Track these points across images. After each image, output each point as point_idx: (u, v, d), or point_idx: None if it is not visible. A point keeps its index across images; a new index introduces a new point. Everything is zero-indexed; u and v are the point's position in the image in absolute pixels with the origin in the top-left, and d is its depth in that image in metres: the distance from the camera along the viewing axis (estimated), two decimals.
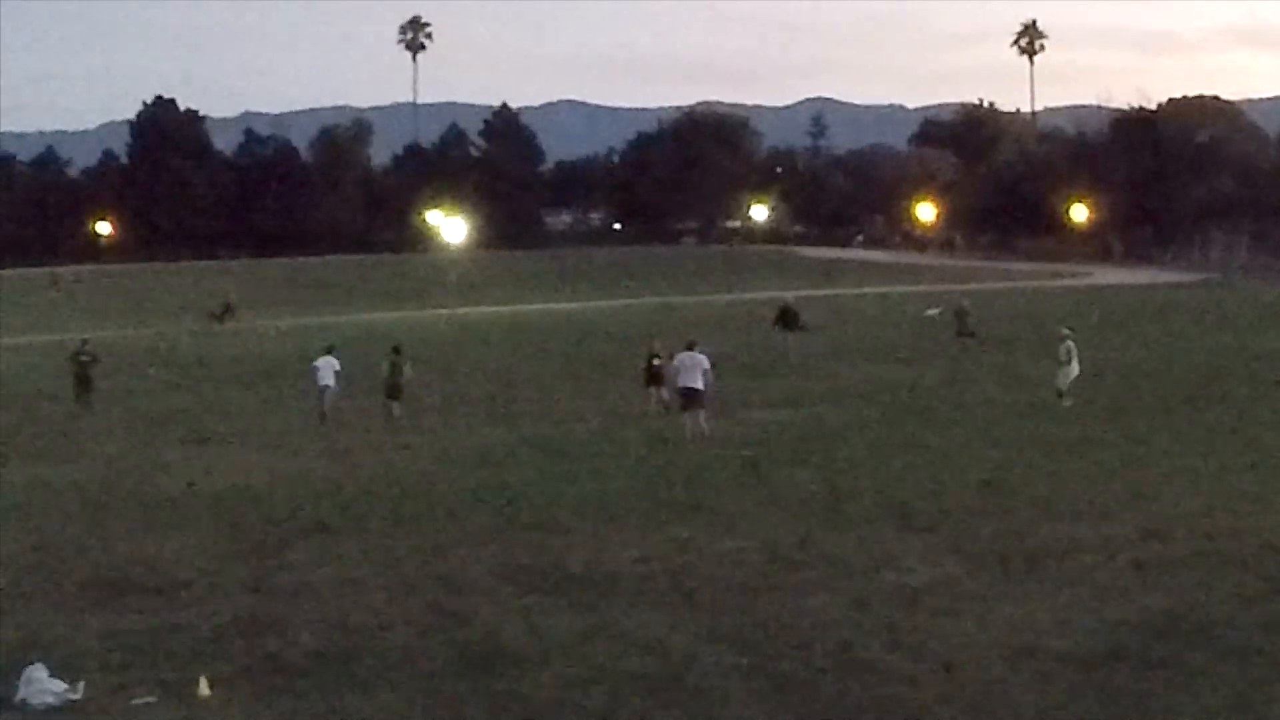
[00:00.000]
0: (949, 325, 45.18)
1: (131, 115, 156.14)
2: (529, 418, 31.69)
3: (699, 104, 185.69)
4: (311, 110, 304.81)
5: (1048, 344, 34.41)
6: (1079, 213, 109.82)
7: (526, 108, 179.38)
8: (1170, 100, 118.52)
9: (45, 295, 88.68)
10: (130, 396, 37.56)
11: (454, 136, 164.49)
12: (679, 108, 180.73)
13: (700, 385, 27.74)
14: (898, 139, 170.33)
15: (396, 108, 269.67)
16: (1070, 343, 31.06)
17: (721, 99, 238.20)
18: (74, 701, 13.18)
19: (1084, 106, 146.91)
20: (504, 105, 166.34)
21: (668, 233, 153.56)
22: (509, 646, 14.37)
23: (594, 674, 13.47)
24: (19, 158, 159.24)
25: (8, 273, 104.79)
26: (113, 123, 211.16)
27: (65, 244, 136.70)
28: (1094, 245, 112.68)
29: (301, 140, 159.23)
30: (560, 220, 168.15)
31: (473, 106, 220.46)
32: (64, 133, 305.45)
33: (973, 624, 14.62)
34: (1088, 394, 32.07)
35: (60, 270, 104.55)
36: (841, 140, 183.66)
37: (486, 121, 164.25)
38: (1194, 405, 30.30)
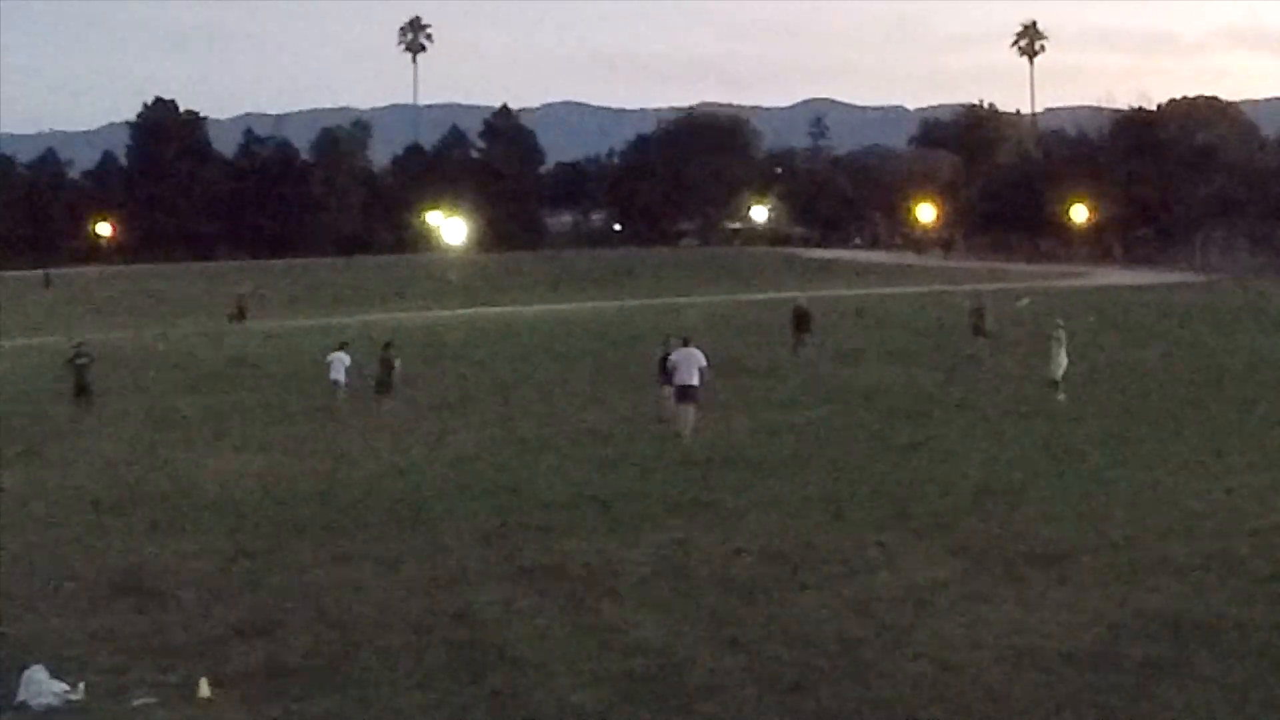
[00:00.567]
0: (965, 324, 44.67)
1: (132, 116, 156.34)
2: (528, 418, 31.68)
3: (699, 105, 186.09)
4: (311, 111, 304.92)
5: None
6: (1079, 214, 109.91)
7: (526, 109, 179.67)
8: (1170, 101, 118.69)
9: (39, 296, 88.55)
10: (129, 398, 37.54)
11: (454, 138, 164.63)
12: (679, 109, 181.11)
13: (696, 382, 27.96)
14: (898, 140, 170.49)
15: (396, 109, 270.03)
16: (1061, 333, 31.80)
17: (722, 100, 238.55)
18: (74, 702, 13.19)
19: (1084, 108, 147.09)
20: (504, 106, 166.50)
21: (668, 234, 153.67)
22: (508, 647, 14.37)
23: (593, 675, 13.47)
24: (19, 159, 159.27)
25: (3, 274, 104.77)
26: (113, 124, 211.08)
27: (65, 245, 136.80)
28: (1094, 246, 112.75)
29: (302, 141, 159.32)
30: (560, 221, 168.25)
31: (473, 107, 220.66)
32: (64, 134, 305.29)
33: (973, 625, 14.62)
34: (1088, 395, 32.13)
35: (54, 271, 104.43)
36: (842, 141, 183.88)
37: (487, 122, 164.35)
38: (1194, 406, 30.31)
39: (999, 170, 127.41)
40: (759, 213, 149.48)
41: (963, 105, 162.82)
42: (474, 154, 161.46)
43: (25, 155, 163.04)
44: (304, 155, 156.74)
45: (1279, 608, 14.96)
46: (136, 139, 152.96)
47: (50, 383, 40.23)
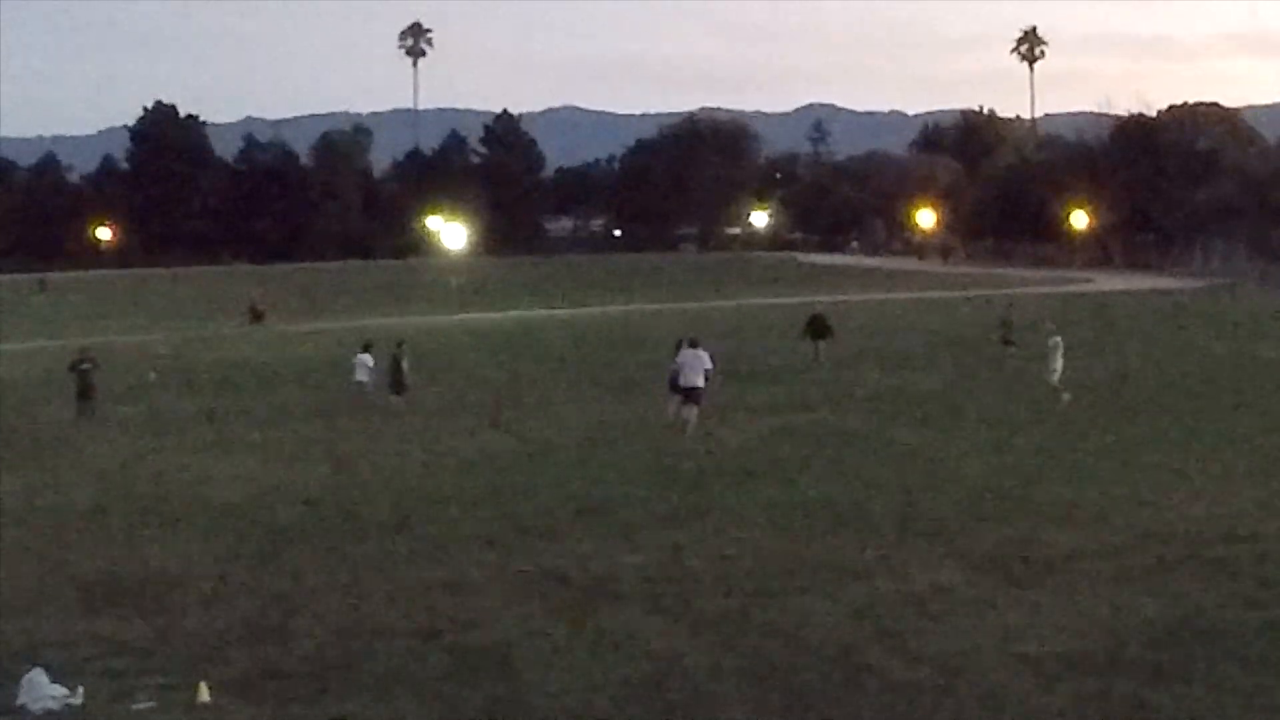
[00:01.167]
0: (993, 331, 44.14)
1: (132, 121, 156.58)
2: (529, 423, 31.68)
3: (699, 110, 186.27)
4: (312, 116, 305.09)
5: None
6: (1079, 219, 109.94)
7: (527, 114, 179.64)
8: (1170, 107, 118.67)
9: (34, 300, 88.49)
10: (129, 402, 37.53)
11: (454, 142, 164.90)
12: (679, 114, 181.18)
13: (701, 384, 28.76)
14: (898, 145, 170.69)
15: (397, 114, 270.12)
16: (1057, 338, 32.68)
17: (722, 105, 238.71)
18: (74, 707, 13.16)
19: (1084, 113, 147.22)
20: (504, 111, 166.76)
21: (668, 239, 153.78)
22: (509, 652, 14.35)
23: (594, 680, 13.45)
24: (19, 163, 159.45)
25: (1, 278, 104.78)
26: (113, 128, 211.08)
27: (66, 249, 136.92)
28: (1094, 252, 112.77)
29: (302, 146, 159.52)
30: (560, 226, 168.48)
31: (473, 112, 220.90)
32: (64, 138, 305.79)
33: (974, 630, 14.61)
34: (1088, 401, 32.14)
35: (49, 276, 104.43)
36: (841, 146, 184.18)
37: (487, 127, 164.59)
38: (1195, 411, 30.31)
39: (999, 175, 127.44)
40: (759, 218, 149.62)
41: (962, 110, 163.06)
42: (474, 159, 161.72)
43: (25, 160, 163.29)
44: (304, 160, 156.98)
45: (1278, 611, 14.96)
46: (137, 143, 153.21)
47: (45, 387, 40.24)
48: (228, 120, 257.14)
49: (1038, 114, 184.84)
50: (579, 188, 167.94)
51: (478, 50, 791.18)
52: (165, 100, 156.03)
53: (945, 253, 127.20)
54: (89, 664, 14.34)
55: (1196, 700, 12.46)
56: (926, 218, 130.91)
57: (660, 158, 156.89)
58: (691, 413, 28.43)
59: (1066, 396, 31.23)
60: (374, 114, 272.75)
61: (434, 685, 13.48)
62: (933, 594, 16.05)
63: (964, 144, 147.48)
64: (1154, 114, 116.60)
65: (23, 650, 14.74)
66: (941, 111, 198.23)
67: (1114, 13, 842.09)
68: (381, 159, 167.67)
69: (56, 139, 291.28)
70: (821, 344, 43.24)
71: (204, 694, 13.23)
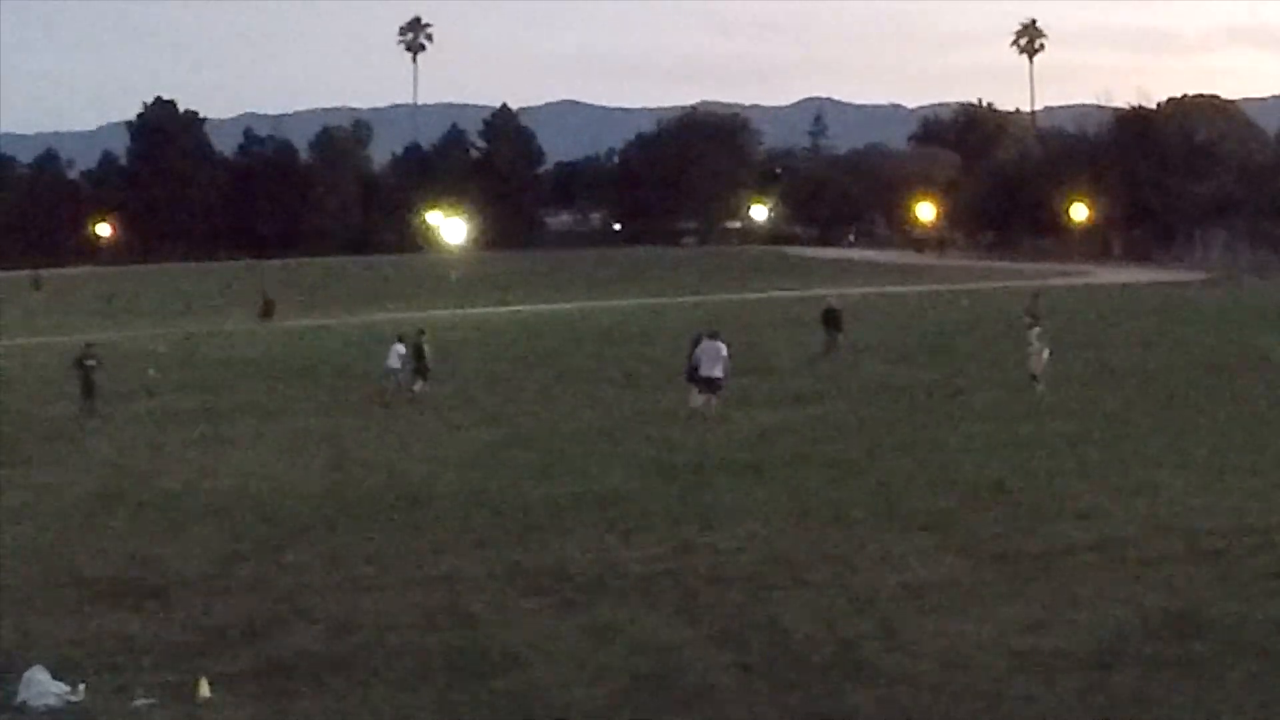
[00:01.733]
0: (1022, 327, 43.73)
1: (131, 116, 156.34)
2: (529, 418, 31.69)
3: (698, 104, 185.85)
4: (311, 111, 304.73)
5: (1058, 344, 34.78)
6: (1079, 212, 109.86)
7: (526, 108, 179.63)
8: (1170, 99, 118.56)
9: (30, 297, 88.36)
10: (129, 398, 37.53)
11: (454, 137, 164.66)
12: (678, 108, 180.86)
13: (720, 374, 29.89)
14: (897, 139, 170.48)
15: (396, 108, 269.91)
16: (1039, 329, 33.32)
17: (721, 99, 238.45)
18: (75, 703, 13.19)
19: (1084, 106, 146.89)
20: (504, 106, 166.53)
21: (667, 233, 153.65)
22: (509, 647, 14.38)
23: (594, 675, 13.47)
24: (19, 159, 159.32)
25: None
26: (112, 124, 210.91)
27: (65, 245, 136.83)
28: (1094, 244, 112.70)
29: (301, 141, 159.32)
30: (560, 221, 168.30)
31: (473, 107, 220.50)
32: (64, 134, 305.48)
33: (974, 624, 14.63)
34: (1089, 393, 32.17)
35: (42, 272, 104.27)
36: (841, 140, 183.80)
37: (486, 122, 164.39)
38: (1194, 404, 30.32)
39: (998, 168, 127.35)
40: (759, 212, 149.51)
41: (962, 103, 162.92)
42: (474, 153, 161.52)
43: (25, 155, 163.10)
44: (304, 155, 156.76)
45: (1278, 605, 14.96)
46: (136, 139, 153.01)
47: (45, 384, 40.25)
48: (227, 116, 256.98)
49: (1037, 107, 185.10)
50: (578, 182, 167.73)
51: (477, 45, 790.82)
52: (165, 96, 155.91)
53: (941, 245, 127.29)
54: (90, 660, 14.36)
55: (1196, 694, 12.48)
56: (926, 211, 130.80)
57: (660, 152, 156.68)
58: (712, 402, 29.53)
59: (1040, 389, 32.01)
60: (374, 109, 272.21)
61: (435, 680, 13.50)
62: (932, 588, 16.08)
63: (963, 137, 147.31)
64: (1153, 107, 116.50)
65: (24, 647, 14.77)
66: (941, 105, 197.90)
67: (1113, 6, 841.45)
68: (381, 154, 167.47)
69: (56, 135, 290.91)
70: (839, 336, 43.29)
71: (205, 690, 13.25)
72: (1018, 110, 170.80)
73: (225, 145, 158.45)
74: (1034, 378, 32.64)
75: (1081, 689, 12.69)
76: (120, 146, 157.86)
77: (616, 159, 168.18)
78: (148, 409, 35.65)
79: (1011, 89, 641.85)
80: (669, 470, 24.27)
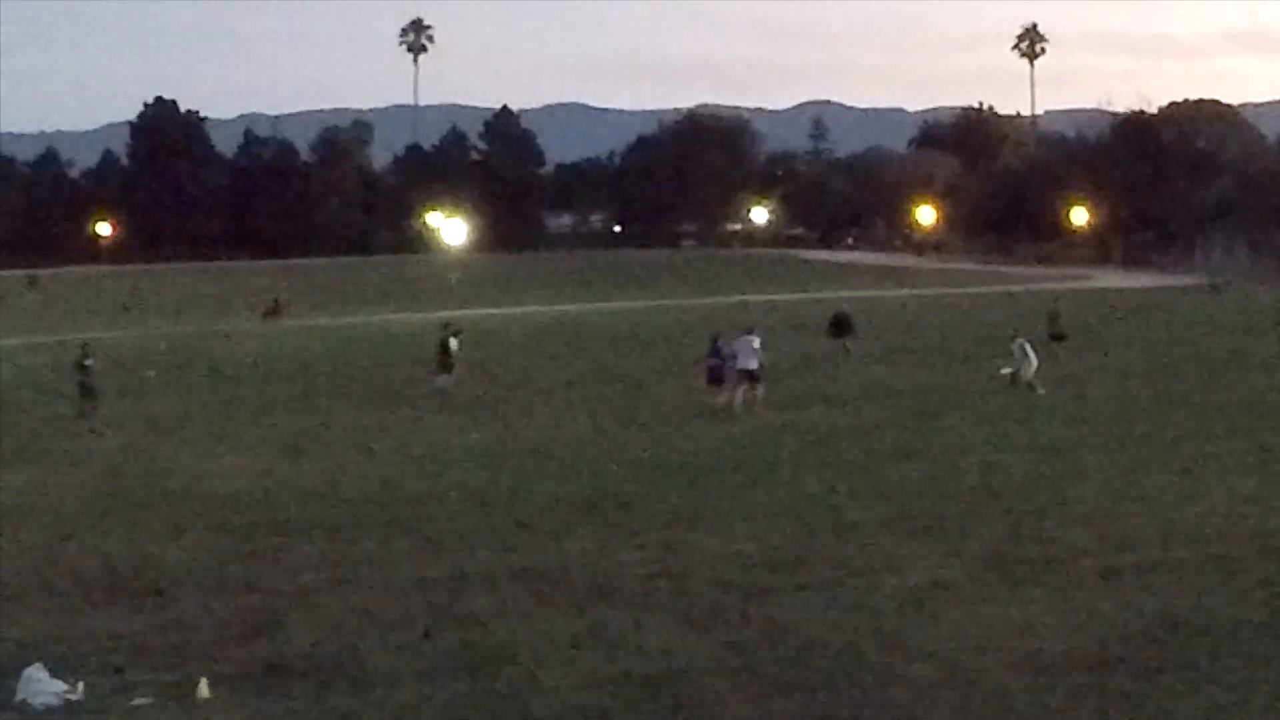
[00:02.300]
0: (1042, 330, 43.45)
1: (132, 116, 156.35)
2: (528, 419, 31.69)
3: (699, 107, 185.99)
4: (312, 112, 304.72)
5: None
6: (1079, 216, 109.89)
7: (527, 110, 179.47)
8: (1170, 104, 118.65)
9: (23, 297, 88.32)
10: (128, 398, 37.53)
11: (454, 138, 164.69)
12: (679, 110, 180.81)
13: (755, 365, 31.94)
14: (898, 142, 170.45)
15: (397, 109, 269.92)
16: (1021, 340, 33.88)
17: (722, 102, 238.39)
18: (74, 702, 13.18)
19: (1084, 110, 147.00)
20: (505, 107, 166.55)
21: (668, 235, 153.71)
22: (507, 649, 14.37)
23: (593, 677, 13.47)
24: (19, 158, 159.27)
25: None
26: (113, 124, 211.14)
27: (65, 245, 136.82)
28: (1094, 249, 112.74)
29: (302, 142, 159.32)
30: (561, 223, 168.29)
31: (473, 108, 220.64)
32: (64, 133, 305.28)
33: (973, 627, 14.62)
34: (1088, 398, 32.19)
35: (38, 273, 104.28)
36: (842, 143, 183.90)
37: (487, 123, 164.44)
38: (1194, 408, 30.32)
39: (999, 173, 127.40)
40: (759, 214, 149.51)
41: (963, 108, 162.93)
42: (474, 155, 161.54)
43: (26, 155, 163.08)
44: (304, 155, 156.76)
45: (1278, 610, 14.96)
46: (137, 139, 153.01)
47: (43, 384, 40.26)
48: (228, 116, 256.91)
49: (1038, 111, 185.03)
50: (579, 184, 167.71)
51: (478, 46, 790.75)
52: (166, 96, 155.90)
53: (939, 249, 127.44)
54: (89, 659, 14.35)
55: (1196, 698, 12.48)
56: (926, 215, 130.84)
57: (661, 154, 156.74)
58: (756, 393, 31.46)
59: (1041, 392, 32.49)
60: (374, 110, 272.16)
61: (433, 682, 13.50)
62: (932, 591, 16.07)
63: (964, 141, 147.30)
64: (1154, 111, 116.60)
65: (23, 645, 14.76)
66: (942, 109, 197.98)
67: (1114, 10, 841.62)
68: (382, 155, 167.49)
69: (57, 134, 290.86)
70: (846, 341, 43.32)
71: (204, 690, 13.25)
72: (1018, 114, 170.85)
73: (226, 145, 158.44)
74: (1029, 382, 32.93)
75: (1081, 692, 12.68)
76: (121, 146, 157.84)
77: (617, 161, 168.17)
78: (147, 409, 35.65)
79: (1012, 93, 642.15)
80: (669, 472, 24.27)
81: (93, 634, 15.36)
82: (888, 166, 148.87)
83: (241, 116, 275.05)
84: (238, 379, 42.39)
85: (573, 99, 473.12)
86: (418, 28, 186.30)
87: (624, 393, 35.95)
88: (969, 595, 15.89)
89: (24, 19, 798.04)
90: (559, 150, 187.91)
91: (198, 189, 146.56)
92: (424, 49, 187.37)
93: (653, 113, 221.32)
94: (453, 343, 37.03)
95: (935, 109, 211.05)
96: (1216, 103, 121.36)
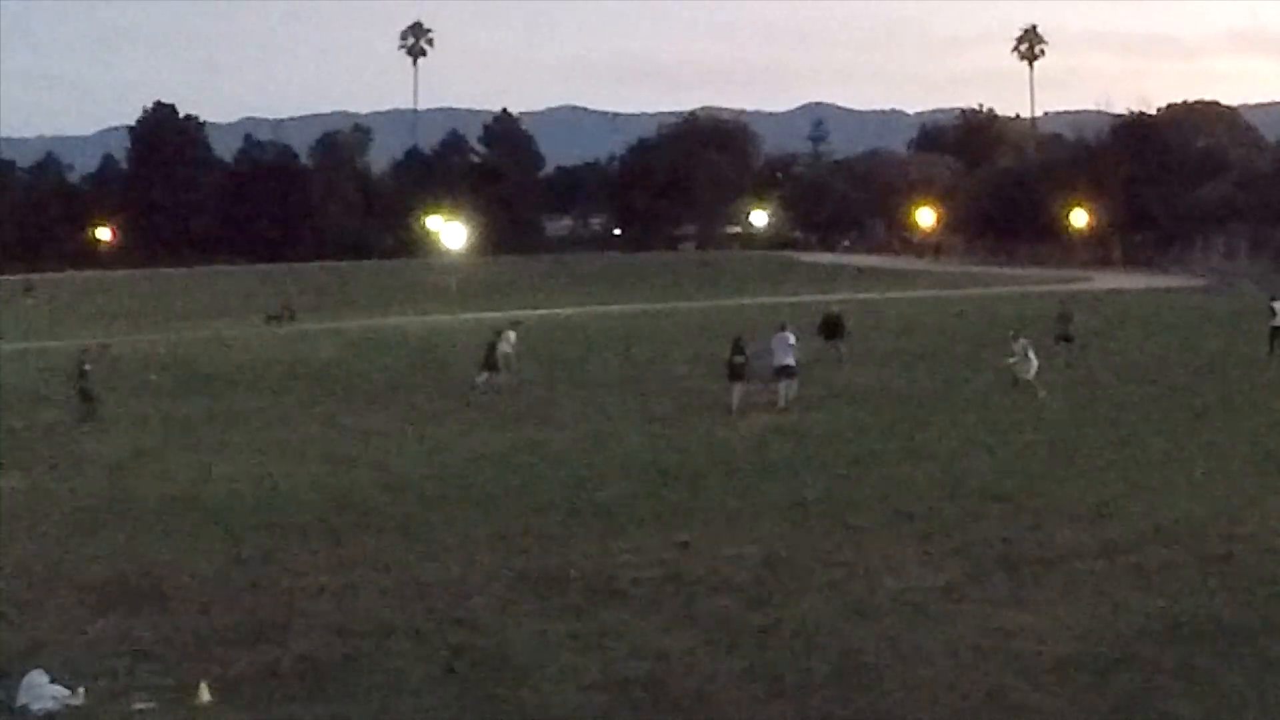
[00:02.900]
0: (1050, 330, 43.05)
1: (131, 121, 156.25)
2: (528, 422, 31.67)
3: (698, 109, 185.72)
4: (311, 116, 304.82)
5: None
6: (1079, 218, 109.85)
7: (526, 113, 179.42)
8: (1170, 105, 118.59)
9: (23, 303, 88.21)
10: (129, 402, 37.51)
11: (454, 142, 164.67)
12: (678, 113, 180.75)
13: (792, 361, 32.71)
14: (897, 144, 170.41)
15: (396, 113, 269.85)
16: (1023, 340, 33.80)
17: (721, 104, 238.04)
18: (75, 707, 13.19)
19: (1084, 111, 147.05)
20: (504, 111, 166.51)
21: (667, 238, 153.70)
22: (509, 652, 14.37)
23: (593, 679, 13.46)
24: (19, 163, 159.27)
25: None
26: (113, 128, 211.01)
27: (65, 250, 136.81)
28: (1094, 250, 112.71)
29: (301, 146, 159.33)
30: (560, 226, 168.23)
31: (473, 112, 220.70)
32: (64, 138, 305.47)
33: (975, 629, 14.62)
34: (1089, 399, 32.19)
35: (33, 278, 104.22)
36: (841, 145, 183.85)
37: (486, 127, 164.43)
38: (1194, 410, 30.32)
39: (998, 174, 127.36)
40: (758, 217, 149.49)
41: (962, 109, 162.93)
42: (474, 158, 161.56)
43: (25, 160, 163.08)
44: (304, 160, 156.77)
45: (1278, 610, 14.96)
46: (136, 143, 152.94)
47: (44, 388, 40.24)
48: (227, 120, 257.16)
49: (1038, 113, 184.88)
50: (578, 187, 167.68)
51: (478, 50, 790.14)
52: (165, 100, 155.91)
53: (937, 250, 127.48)
54: (90, 664, 14.35)
55: (1197, 699, 12.47)
56: (926, 216, 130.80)
57: (660, 157, 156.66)
58: (792, 387, 32.34)
59: (1042, 394, 32.37)
60: (374, 113, 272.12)
61: (433, 685, 13.50)
62: (933, 592, 16.07)
63: (964, 143, 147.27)
64: (1154, 112, 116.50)
65: (24, 650, 14.76)
66: (941, 110, 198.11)
67: (1114, 11, 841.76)
68: (381, 159, 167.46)
69: (56, 139, 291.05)
70: (838, 343, 43.17)
71: (205, 694, 13.24)
72: (1018, 116, 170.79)
73: (225, 150, 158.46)
74: (1029, 383, 32.94)
75: (1083, 693, 12.69)
76: (120, 151, 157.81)
77: (616, 164, 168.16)
78: (147, 413, 35.63)
79: (1012, 94, 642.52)
80: (669, 474, 24.26)
81: (93, 639, 15.36)
82: (887, 168, 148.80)
83: (241, 121, 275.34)
84: (239, 382, 42.34)
85: (572, 102, 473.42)
86: (417, 31, 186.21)
87: (623, 394, 35.91)
88: (969, 595, 15.89)
89: (23, 23, 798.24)
90: (558, 153, 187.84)
91: (197, 194, 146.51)
92: (423, 53, 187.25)
93: (652, 115, 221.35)
94: (510, 335, 39.19)
95: (935, 110, 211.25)
96: (1216, 103, 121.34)
